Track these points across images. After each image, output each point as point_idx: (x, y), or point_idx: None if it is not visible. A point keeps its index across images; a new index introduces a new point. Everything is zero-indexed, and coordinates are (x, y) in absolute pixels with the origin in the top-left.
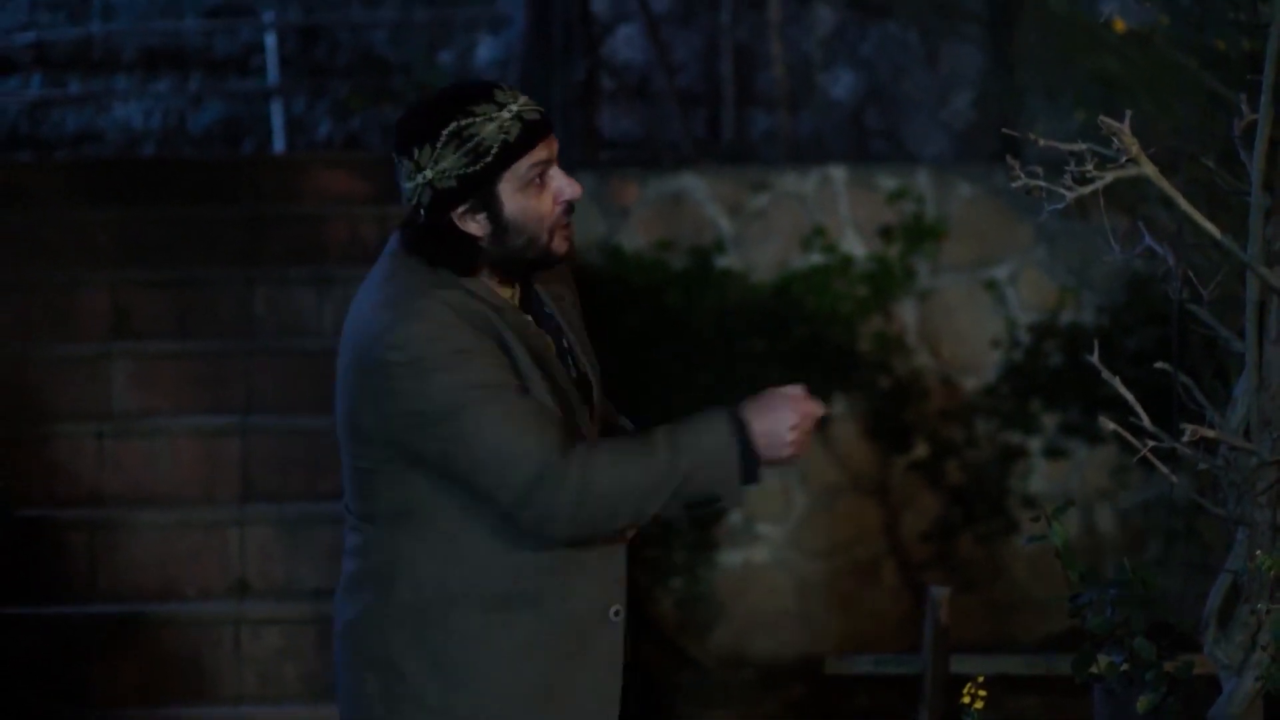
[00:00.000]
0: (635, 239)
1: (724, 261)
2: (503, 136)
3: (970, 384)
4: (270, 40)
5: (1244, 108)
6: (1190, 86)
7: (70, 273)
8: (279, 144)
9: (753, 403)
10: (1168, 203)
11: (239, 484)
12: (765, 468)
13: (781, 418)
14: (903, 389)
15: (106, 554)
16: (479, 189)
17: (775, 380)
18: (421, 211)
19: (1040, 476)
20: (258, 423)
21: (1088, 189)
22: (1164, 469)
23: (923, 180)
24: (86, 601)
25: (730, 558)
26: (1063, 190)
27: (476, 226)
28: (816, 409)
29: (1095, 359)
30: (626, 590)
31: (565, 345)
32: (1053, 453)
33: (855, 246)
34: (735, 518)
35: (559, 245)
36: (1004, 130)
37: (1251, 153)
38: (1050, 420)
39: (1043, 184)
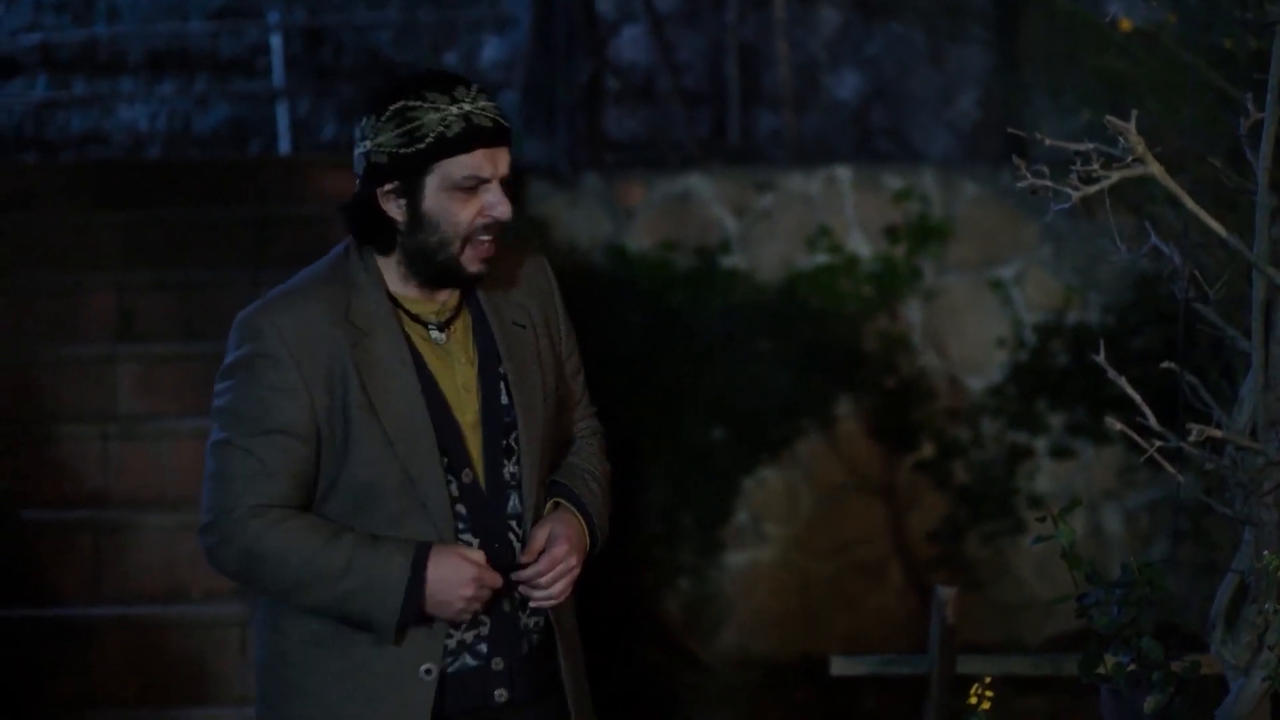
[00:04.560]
0: (640, 240)
1: (729, 262)
2: (440, 129)
3: (976, 384)
4: (275, 42)
5: (1250, 107)
6: (1197, 86)
7: (75, 275)
8: (284, 145)
9: (439, 555)
10: (1174, 202)
11: None
12: (418, 618)
13: (459, 582)
14: (908, 389)
15: (111, 556)
16: (405, 173)
17: (781, 381)
18: (357, 181)
19: (1046, 476)
20: None
21: (1093, 188)
22: (1171, 469)
23: (928, 180)
24: (91, 603)
25: (737, 558)
26: (1068, 190)
27: (396, 210)
28: (495, 580)
29: (1101, 359)
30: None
31: (501, 372)
32: (1059, 452)
33: (861, 246)
34: (741, 518)
35: (470, 261)
36: (1009, 130)
37: (1258, 152)
38: (1056, 420)
39: (1048, 183)
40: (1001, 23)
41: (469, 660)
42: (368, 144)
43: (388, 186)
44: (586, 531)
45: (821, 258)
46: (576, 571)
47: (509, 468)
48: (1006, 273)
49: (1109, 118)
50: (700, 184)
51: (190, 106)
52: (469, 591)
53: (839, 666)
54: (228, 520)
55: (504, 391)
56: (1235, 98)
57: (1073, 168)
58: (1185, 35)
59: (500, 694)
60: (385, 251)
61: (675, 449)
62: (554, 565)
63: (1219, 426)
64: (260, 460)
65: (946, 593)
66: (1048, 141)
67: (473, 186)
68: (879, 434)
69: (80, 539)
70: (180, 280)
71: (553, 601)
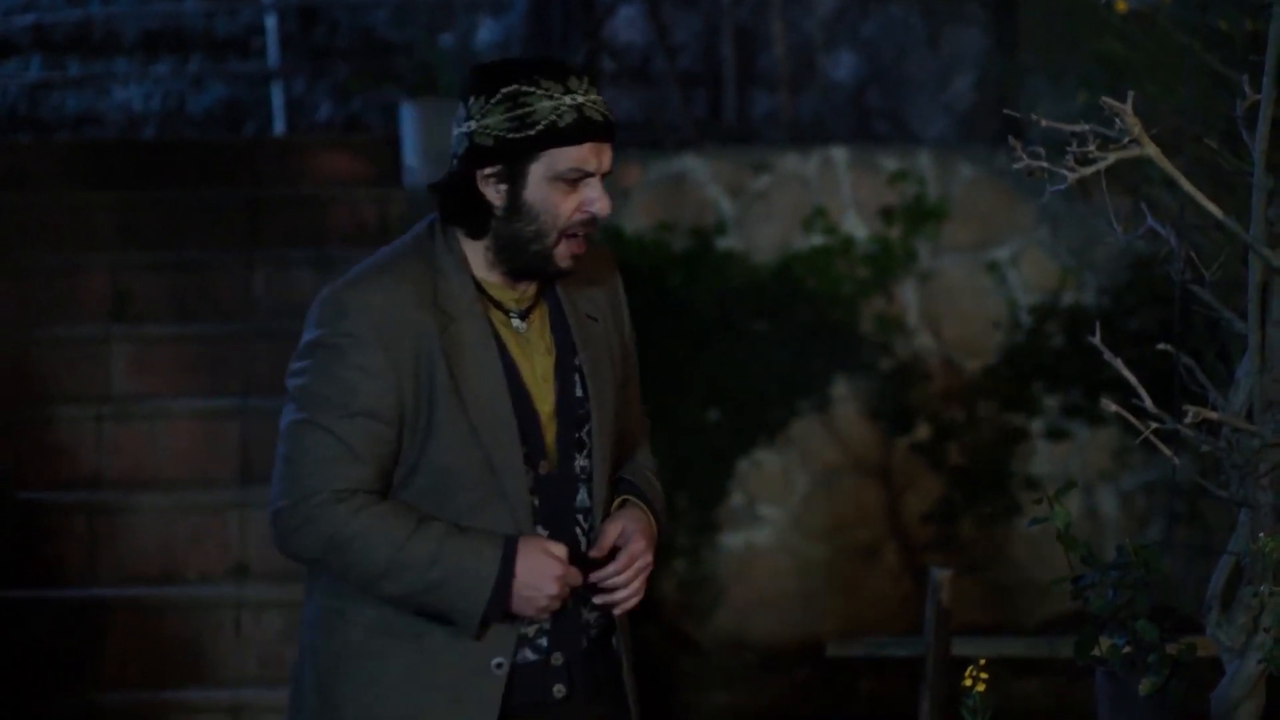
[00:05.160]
0: (636, 221)
1: (725, 243)
2: (552, 118)
3: (972, 365)
4: (270, 22)
5: (1247, 88)
6: (1193, 67)
7: (70, 256)
8: (279, 126)
9: (527, 548)
10: (1170, 184)
11: (238, 466)
12: (503, 615)
13: (546, 577)
14: (904, 370)
15: (106, 537)
16: (511, 158)
17: (777, 363)
18: (454, 162)
19: (1042, 458)
20: (257, 405)
21: (1089, 170)
22: (1166, 451)
23: (924, 161)
24: (87, 585)
25: (732, 540)
26: (1064, 171)
27: (495, 195)
28: (577, 578)
29: (1097, 340)
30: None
31: (576, 364)
32: (1054, 434)
33: (857, 228)
34: (737, 499)
35: (562, 256)
36: (1006, 111)
37: (1254, 133)
38: (1052, 402)
39: (1045, 165)
40: (998, 5)
41: (529, 654)
42: (472, 124)
43: (489, 170)
44: (655, 528)
45: (817, 239)
46: (650, 569)
47: (580, 461)
48: (1002, 254)
49: (1105, 99)
50: (696, 165)
51: (185, 87)
52: (554, 588)
53: (834, 648)
54: (309, 504)
55: (579, 384)
56: (1232, 79)
57: (1069, 149)
58: (1181, 17)
59: (558, 689)
60: (477, 235)
61: (671, 430)
62: (632, 562)
63: (1215, 408)
64: (344, 443)
65: (941, 575)
66: (1044, 123)
67: (576, 179)
68: (874, 416)
69: (75, 520)
70: (175, 261)
71: (631, 601)
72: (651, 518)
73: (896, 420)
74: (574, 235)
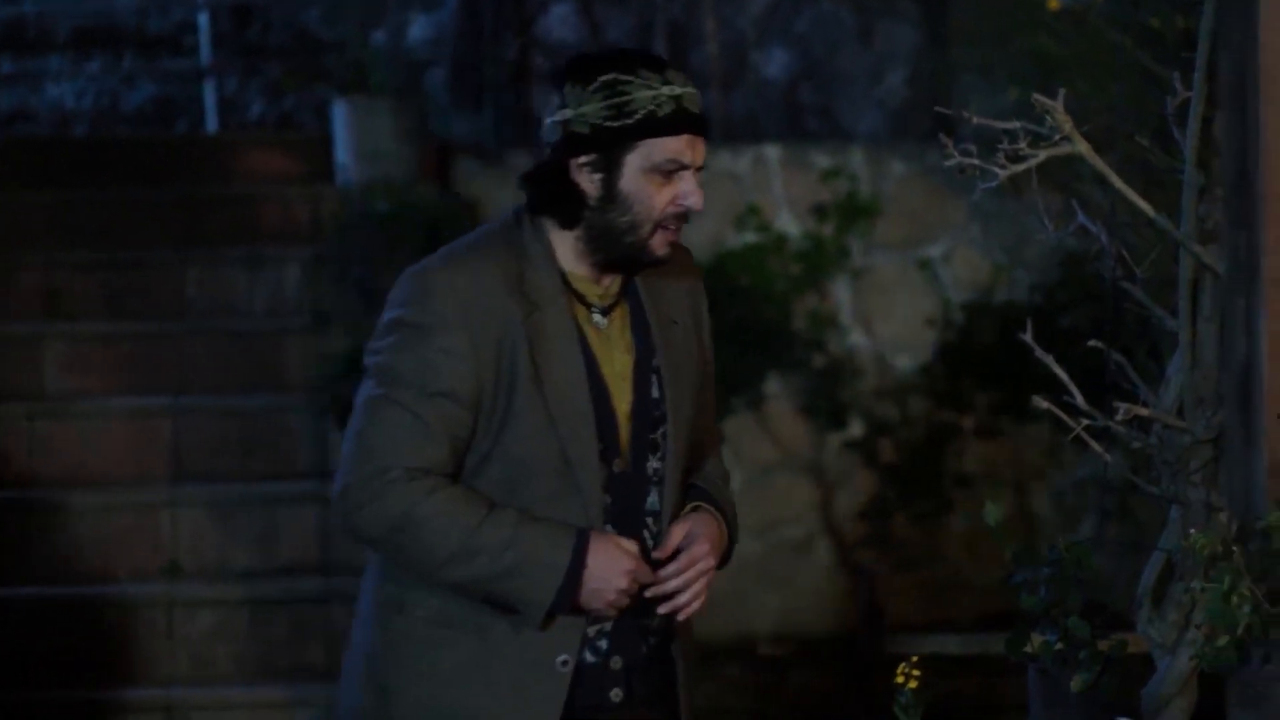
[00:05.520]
0: None
1: None
2: (652, 107)
3: (904, 362)
4: (203, 20)
5: (1178, 85)
6: (1125, 64)
7: (2, 254)
8: (211, 124)
9: (599, 541)
10: (1102, 181)
11: (171, 465)
12: (571, 607)
13: (616, 572)
14: (837, 367)
15: (38, 536)
16: (607, 147)
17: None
18: (547, 150)
19: (974, 455)
20: (190, 404)
21: (1021, 167)
22: (1097, 448)
23: (857, 159)
24: (18, 584)
25: None
26: (996, 169)
27: (589, 185)
28: (647, 575)
29: (1029, 338)
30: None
31: (654, 366)
32: (986, 432)
33: (789, 225)
34: None
35: (658, 245)
36: (937, 109)
37: (1185, 131)
38: (984, 399)
39: (976, 162)
40: (930, 1)
41: (589, 656)
42: (568, 112)
43: (584, 159)
44: (725, 536)
45: (750, 236)
46: (713, 575)
47: (653, 463)
48: (934, 251)
49: (1036, 96)
50: None
51: (117, 85)
52: (624, 583)
53: (767, 646)
54: (381, 481)
55: (656, 386)
56: (1163, 76)
57: (1000, 146)
58: (1113, 14)
59: (615, 693)
60: (569, 225)
61: None
62: (693, 563)
63: (1146, 405)
64: (422, 421)
65: (875, 572)
66: (975, 120)
67: (672, 171)
68: (808, 413)
69: (7, 519)
70: (108, 259)
71: (691, 606)
72: (722, 524)
73: (830, 417)
74: (669, 228)
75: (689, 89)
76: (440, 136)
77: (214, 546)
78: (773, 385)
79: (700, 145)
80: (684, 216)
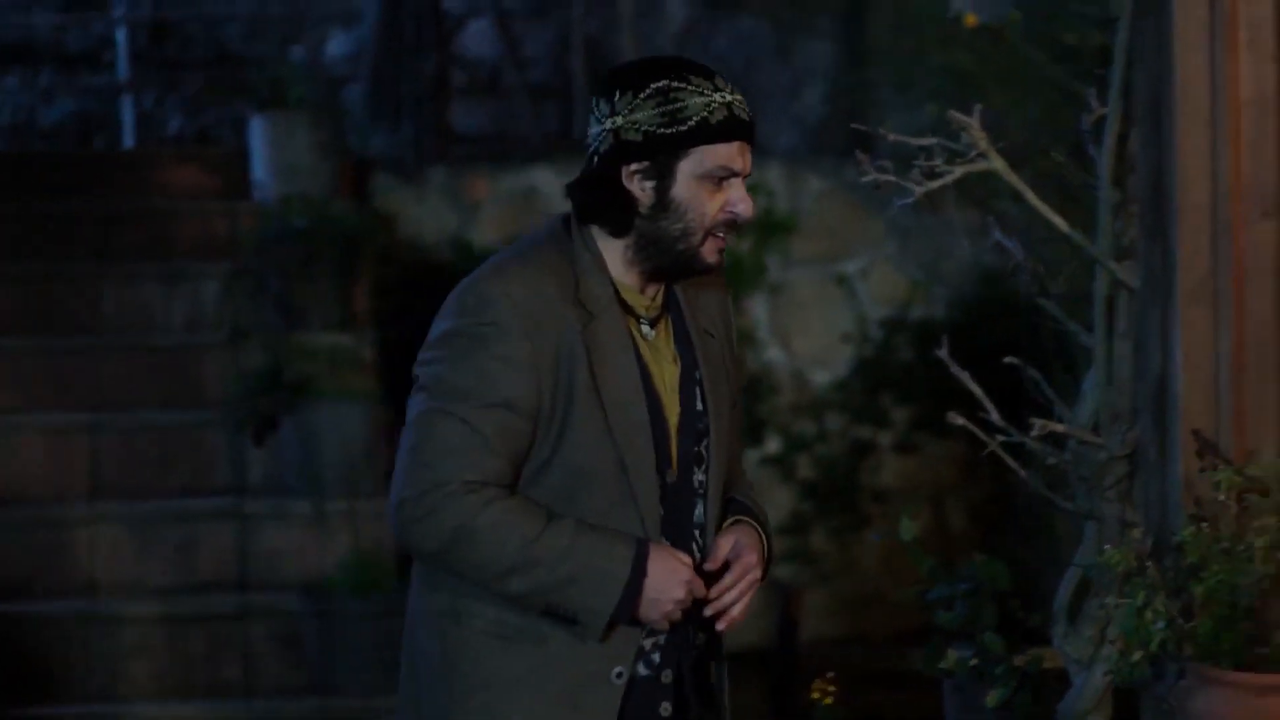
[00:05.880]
0: (486, 234)
1: None
2: (704, 114)
3: (821, 379)
4: (121, 36)
5: (1094, 102)
6: (1042, 81)
7: None
8: (129, 139)
9: (657, 552)
10: (1018, 197)
11: (89, 482)
12: (631, 617)
13: (674, 583)
14: (755, 383)
15: None
16: (660, 154)
17: None
18: (595, 159)
19: (891, 471)
20: (107, 420)
21: (937, 184)
22: (1013, 464)
23: (774, 174)
24: None
25: None
26: (912, 185)
27: (641, 192)
28: (701, 588)
29: (945, 354)
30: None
31: (697, 377)
32: (904, 448)
33: None
34: None
35: (709, 253)
36: (854, 125)
37: (1100, 147)
38: (901, 415)
39: (892, 179)
40: (848, 18)
41: (641, 669)
42: (618, 120)
43: (636, 166)
44: (766, 548)
45: None
46: (758, 585)
47: (698, 475)
48: (852, 267)
49: (952, 113)
50: (546, 178)
51: (35, 100)
52: (681, 594)
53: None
54: (439, 494)
55: (699, 397)
56: (1079, 93)
57: (916, 163)
58: (1030, 31)
59: (665, 707)
60: (620, 233)
61: None
62: (745, 574)
63: (1061, 421)
64: (479, 434)
65: (789, 586)
66: (892, 137)
67: (723, 178)
68: None
69: None
70: (24, 274)
71: (738, 616)
72: (763, 537)
73: (747, 433)
74: (719, 236)
75: (738, 96)
76: (358, 152)
77: (132, 563)
78: None
79: (748, 152)
80: (734, 224)
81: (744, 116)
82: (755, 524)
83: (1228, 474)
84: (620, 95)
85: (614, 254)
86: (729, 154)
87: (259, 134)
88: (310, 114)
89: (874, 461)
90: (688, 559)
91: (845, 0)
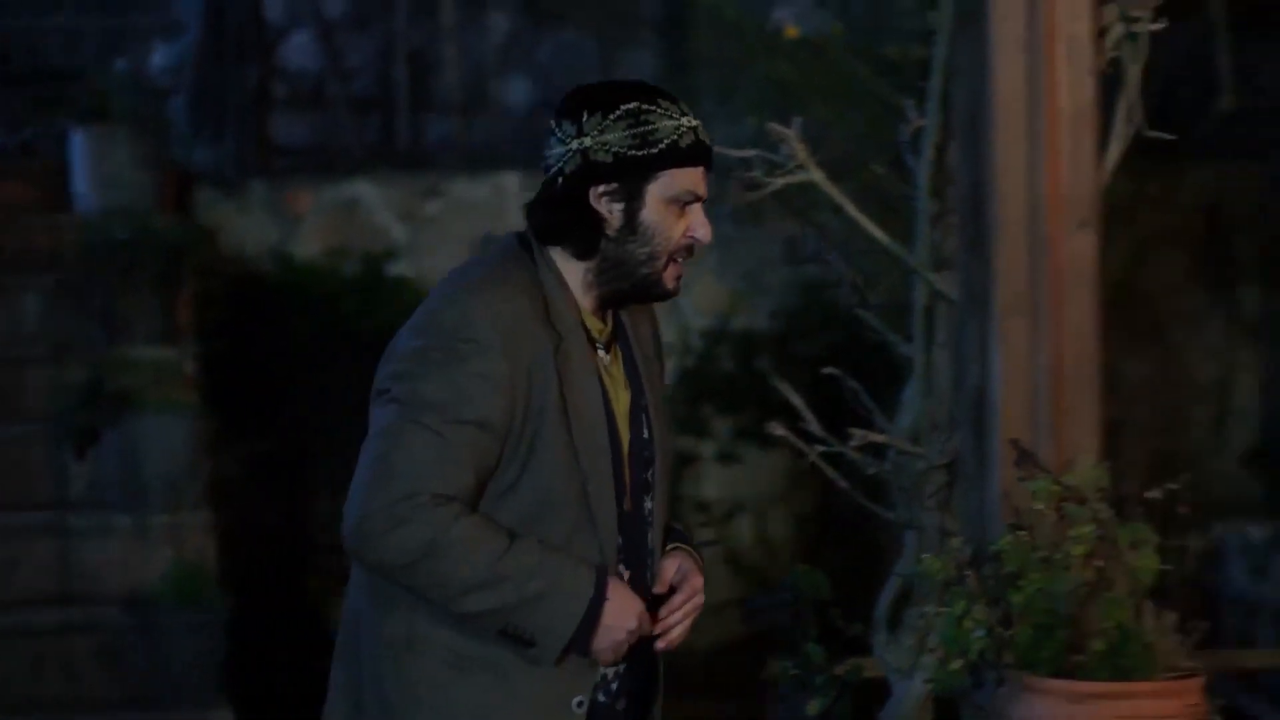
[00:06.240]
0: (308, 246)
1: (397, 269)
2: (675, 137)
3: None
4: None
5: (913, 114)
6: (863, 93)
7: None
8: None
9: (615, 581)
10: (839, 209)
11: None
12: (587, 644)
13: (629, 614)
14: None
15: None
16: (630, 176)
17: None
18: (560, 180)
19: (713, 482)
20: None
21: (756, 195)
22: (833, 474)
23: None
24: None
25: None
26: (732, 196)
27: (609, 214)
28: (649, 624)
29: (766, 365)
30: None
31: (643, 404)
32: (726, 458)
33: None
34: None
35: (669, 279)
36: None
37: (919, 158)
38: (723, 425)
39: None
40: (670, 29)
41: (600, 697)
42: (587, 140)
43: (604, 187)
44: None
45: None
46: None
47: (648, 502)
48: None
49: (771, 125)
50: (368, 191)
51: None
52: (634, 625)
53: None
54: (408, 505)
55: (645, 425)
56: (900, 105)
57: (736, 174)
58: (852, 43)
59: None
60: (585, 255)
61: (343, 457)
62: (692, 595)
63: (881, 431)
64: (452, 448)
65: None
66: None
67: (688, 202)
68: None
69: None
70: None
71: (676, 637)
72: (700, 562)
73: None
74: (679, 261)
75: (698, 121)
76: (181, 165)
77: None
78: None
79: (706, 177)
80: (691, 250)
81: (707, 141)
82: (693, 551)
83: (1045, 483)
84: (589, 116)
85: (574, 277)
86: (695, 178)
87: (80, 147)
88: (131, 127)
89: (696, 472)
90: (638, 596)
91: (667, 11)
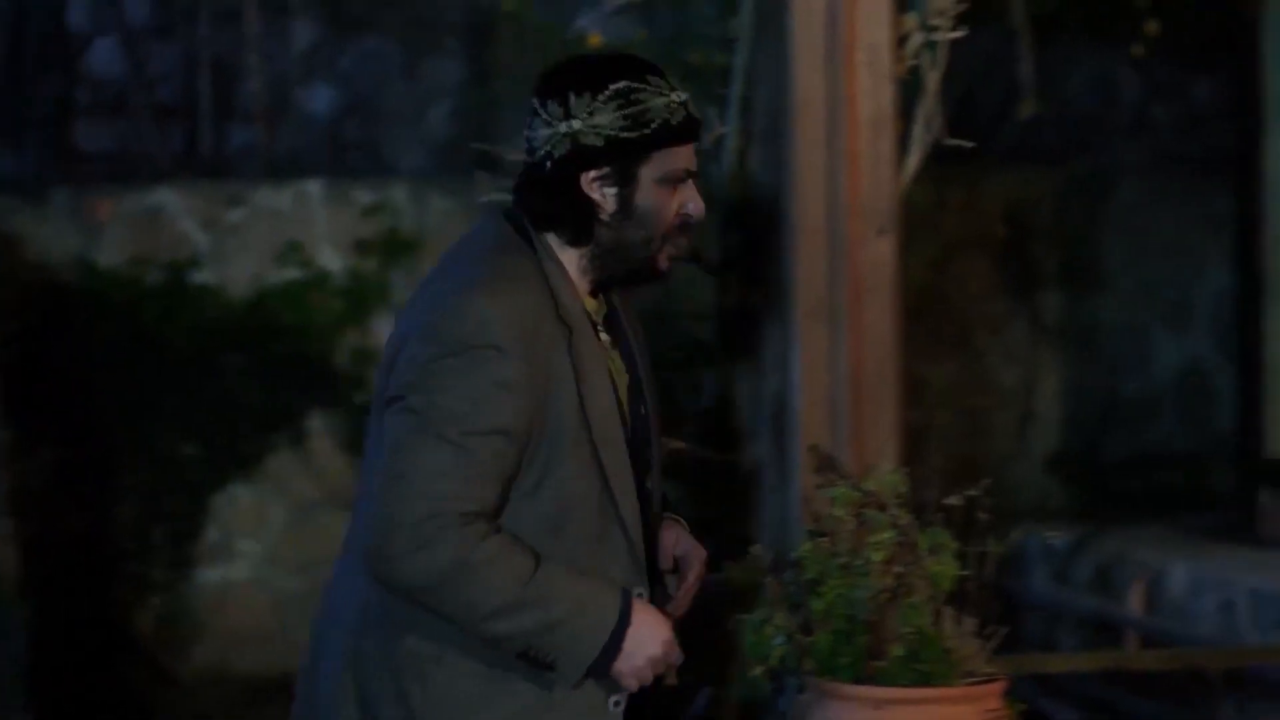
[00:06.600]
0: (111, 255)
1: (200, 277)
2: (667, 116)
3: None
4: None
5: (715, 121)
6: None
7: None
8: None
9: (641, 604)
10: None
11: None
12: (607, 669)
13: (655, 639)
14: None
15: None
16: (623, 159)
17: (253, 397)
18: (548, 164)
19: None
20: None
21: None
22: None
23: (400, 194)
24: None
25: (208, 575)
26: None
27: (603, 199)
28: (677, 657)
29: None
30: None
31: (639, 380)
32: None
33: (331, 261)
34: (213, 534)
35: (664, 259)
36: (474, 144)
37: (719, 165)
38: None
39: (510, 196)
40: (475, 37)
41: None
42: (575, 124)
43: (596, 172)
44: None
45: (292, 272)
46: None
47: (648, 482)
48: None
49: None
50: (170, 199)
51: None
52: (658, 651)
53: None
54: (432, 525)
55: (642, 402)
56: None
57: None
58: (656, 50)
59: None
60: (580, 242)
61: (146, 464)
62: (700, 576)
63: (682, 438)
64: (476, 461)
65: None
66: (512, 155)
67: (680, 180)
68: (350, 449)
69: None
70: None
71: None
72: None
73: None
74: (676, 239)
75: (686, 95)
76: None
77: None
78: (316, 422)
79: (694, 149)
80: (687, 226)
81: (696, 115)
82: (680, 519)
83: (845, 490)
84: (576, 96)
85: (570, 263)
86: (688, 155)
87: None
88: None
89: None
90: (667, 620)
91: (471, 20)
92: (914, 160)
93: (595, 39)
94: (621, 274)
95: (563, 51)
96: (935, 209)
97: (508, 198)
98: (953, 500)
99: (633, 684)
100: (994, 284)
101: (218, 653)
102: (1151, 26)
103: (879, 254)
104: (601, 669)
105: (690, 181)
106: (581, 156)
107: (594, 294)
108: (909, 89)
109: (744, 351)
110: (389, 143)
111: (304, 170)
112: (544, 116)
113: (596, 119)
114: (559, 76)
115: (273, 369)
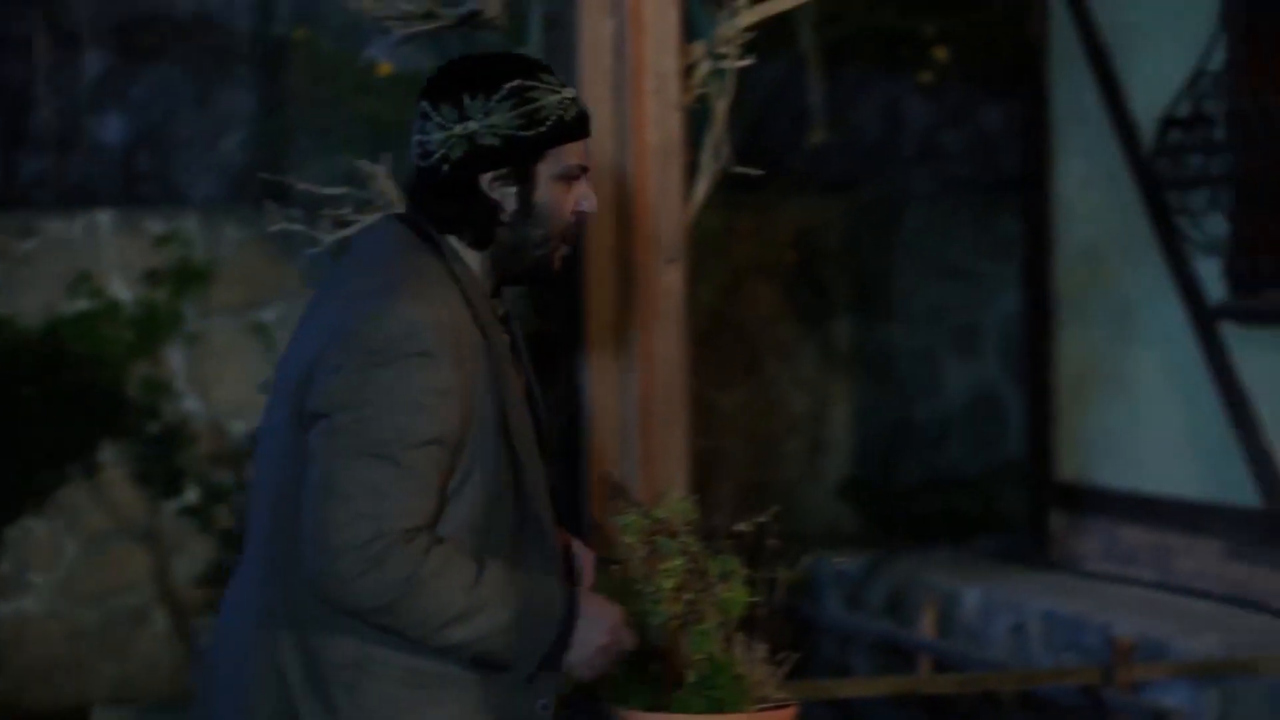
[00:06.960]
0: None
1: None
2: (560, 112)
3: (239, 428)
4: None
5: None
6: None
7: None
8: None
9: (587, 594)
10: None
11: None
12: (558, 662)
13: (603, 628)
14: (172, 433)
15: None
16: (521, 158)
17: (44, 428)
18: (445, 167)
19: None
20: None
21: (345, 232)
22: None
23: (191, 223)
24: None
25: (2, 608)
26: (321, 234)
27: (503, 199)
28: (629, 642)
29: None
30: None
31: (528, 378)
32: None
33: (122, 291)
34: (6, 567)
35: (558, 258)
36: (260, 175)
37: None
38: None
39: (300, 227)
40: (266, 65)
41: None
42: (471, 125)
43: (495, 173)
44: None
45: (83, 303)
46: None
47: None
48: (269, 315)
49: (360, 162)
50: None
51: None
52: (606, 639)
53: (100, 715)
54: (379, 545)
55: (535, 399)
56: None
57: (325, 212)
58: None
59: None
60: (483, 244)
61: None
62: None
63: None
64: (415, 475)
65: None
66: (301, 185)
67: (576, 176)
68: (142, 480)
69: None
70: None
71: None
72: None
73: (165, 484)
74: (571, 236)
75: (575, 90)
76: None
77: None
78: (107, 453)
79: (586, 145)
80: (580, 223)
81: (587, 113)
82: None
83: (635, 517)
84: (470, 98)
85: (473, 264)
86: (581, 151)
87: None
88: None
89: None
90: (615, 608)
91: (264, 49)
92: (702, 188)
93: (386, 68)
94: (519, 274)
95: (354, 81)
96: (725, 236)
97: (296, 227)
98: (743, 526)
99: (586, 673)
100: (784, 310)
101: (12, 686)
102: (940, 54)
103: (668, 282)
104: (553, 662)
105: (584, 177)
106: (480, 157)
107: (494, 295)
108: (698, 117)
109: (540, 380)
110: (181, 172)
111: (95, 200)
112: (437, 120)
113: (492, 119)
114: (450, 78)
115: (64, 400)
